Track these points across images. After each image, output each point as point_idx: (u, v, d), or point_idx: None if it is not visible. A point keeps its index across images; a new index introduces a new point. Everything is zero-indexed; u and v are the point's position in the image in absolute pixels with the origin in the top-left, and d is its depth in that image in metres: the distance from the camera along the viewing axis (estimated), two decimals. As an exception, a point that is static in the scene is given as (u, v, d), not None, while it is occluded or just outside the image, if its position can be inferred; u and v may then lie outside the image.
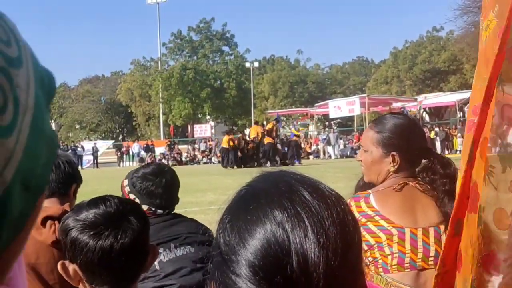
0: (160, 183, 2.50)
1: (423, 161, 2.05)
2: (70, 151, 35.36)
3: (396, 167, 2.07)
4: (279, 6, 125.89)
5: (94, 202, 1.35)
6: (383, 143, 2.09)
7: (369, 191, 2.08)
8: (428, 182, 2.05)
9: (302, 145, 34.92)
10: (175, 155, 36.01)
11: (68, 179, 2.37)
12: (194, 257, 2.44)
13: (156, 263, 2.29)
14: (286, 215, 0.70)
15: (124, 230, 1.31)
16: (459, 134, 30.17)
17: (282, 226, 0.69)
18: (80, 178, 2.47)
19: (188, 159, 36.13)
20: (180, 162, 35.15)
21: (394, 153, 2.06)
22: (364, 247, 1.93)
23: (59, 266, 1.35)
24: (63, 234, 1.33)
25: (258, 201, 0.73)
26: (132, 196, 2.45)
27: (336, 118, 42.36)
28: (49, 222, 2.21)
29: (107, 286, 1.33)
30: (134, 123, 60.05)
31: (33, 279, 2.15)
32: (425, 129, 29.20)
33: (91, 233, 1.29)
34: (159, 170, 2.54)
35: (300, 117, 47.42)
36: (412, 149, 2.08)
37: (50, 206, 2.27)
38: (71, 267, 1.33)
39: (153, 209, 2.49)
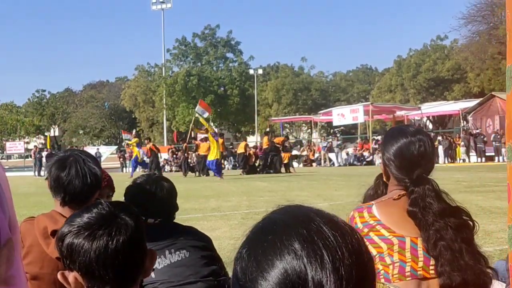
0: (150, 191, 2.52)
1: (416, 189, 1.99)
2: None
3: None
4: (284, 13, 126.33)
5: (86, 208, 1.38)
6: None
7: (372, 202, 2.10)
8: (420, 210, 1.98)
9: (305, 153, 34.91)
10: (178, 161, 35.97)
11: (93, 190, 2.22)
12: (190, 262, 2.44)
13: None
14: (303, 244, 0.72)
15: (118, 228, 1.33)
16: (462, 143, 30.08)
17: (299, 254, 0.71)
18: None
19: (191, 165, 36.02)
20: (183, 168, 35.07)
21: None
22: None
23: (59, 276, 1.35)
24: (59, 242, 1.34)
25: (275, 231, 0.75)
26: None
27: (340, 126, 42.32)
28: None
29: (108, 287, 1.33)
30: (137, 129, 60.11)
31: None
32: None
33: (85, 234, 1.31)
34: (152, 179, 2.60)
35: (303, 124, 47.28)
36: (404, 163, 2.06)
37: (61, 219, 2.09)
38: (71, 276, 1.34)
39: (143, 218, 2.49)
